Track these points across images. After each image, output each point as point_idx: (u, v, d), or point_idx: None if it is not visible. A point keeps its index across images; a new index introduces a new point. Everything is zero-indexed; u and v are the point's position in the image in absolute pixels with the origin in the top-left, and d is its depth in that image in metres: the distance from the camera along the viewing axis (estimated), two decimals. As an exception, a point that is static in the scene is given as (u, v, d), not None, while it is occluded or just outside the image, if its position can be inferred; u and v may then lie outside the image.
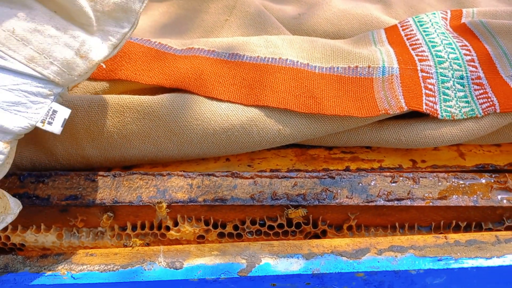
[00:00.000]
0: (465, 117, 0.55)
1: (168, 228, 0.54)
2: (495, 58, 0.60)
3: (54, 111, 0.43)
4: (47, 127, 0.43)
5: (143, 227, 0.54)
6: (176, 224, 0.53)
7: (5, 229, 0.54)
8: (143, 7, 0.43)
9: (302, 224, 0.53)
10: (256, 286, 0.50)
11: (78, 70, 0.42)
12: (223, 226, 0.54)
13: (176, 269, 0.50)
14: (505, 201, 0.52)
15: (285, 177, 0.54)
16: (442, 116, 0.55)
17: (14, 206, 0.49)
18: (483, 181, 0.55)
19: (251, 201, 0.52)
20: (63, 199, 0.53)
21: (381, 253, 0.50)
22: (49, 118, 0.43)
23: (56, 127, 0.43)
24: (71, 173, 0.54)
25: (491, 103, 0.56)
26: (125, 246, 0.54)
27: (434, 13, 0.67)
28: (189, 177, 0.54)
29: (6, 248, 0.56)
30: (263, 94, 0.56)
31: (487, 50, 0.61)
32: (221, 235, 0.54)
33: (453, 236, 0.52)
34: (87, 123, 0.55)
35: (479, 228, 0.54)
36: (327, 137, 0.58)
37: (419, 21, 0.66)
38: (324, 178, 0.54)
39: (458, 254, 0.50)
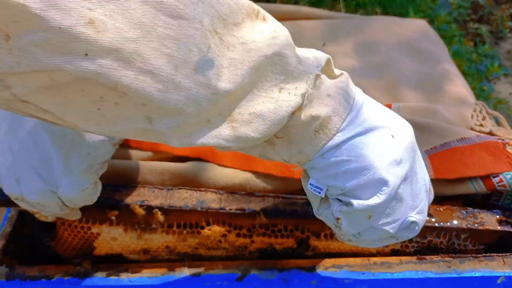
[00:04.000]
0: None
1: (202, 227, 0.79)
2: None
3: None
4: None
5: (184, 226, 0.78)
6: (208, 224, 0.78)
7: (87, 221, 0.77)
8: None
9: (294, 230, 0.79)
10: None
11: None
12: (240, 228, 0.79)
13: (196, 276, 0.78)
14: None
15: (284, 197, 0.79)
16: None
17: None
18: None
19: (261, 212, 0.78)
20: (134, 203, 0.77)
21: (327, 268, 0.78)
22: None
23: None
24: (138, 186, 0.79)
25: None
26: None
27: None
28: (219, 193, 0.79)
29: (86, 236, 0.78)
30: (255, 163, 0.85)
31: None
32: (237, 235, 0.79)
33: (374, 259, 0.80)
34: (139, 180, 0.84)
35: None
36: (297, 191, 0.87)
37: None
38: (311, 201, 0.79)
39: (375, 270, 0.78)
